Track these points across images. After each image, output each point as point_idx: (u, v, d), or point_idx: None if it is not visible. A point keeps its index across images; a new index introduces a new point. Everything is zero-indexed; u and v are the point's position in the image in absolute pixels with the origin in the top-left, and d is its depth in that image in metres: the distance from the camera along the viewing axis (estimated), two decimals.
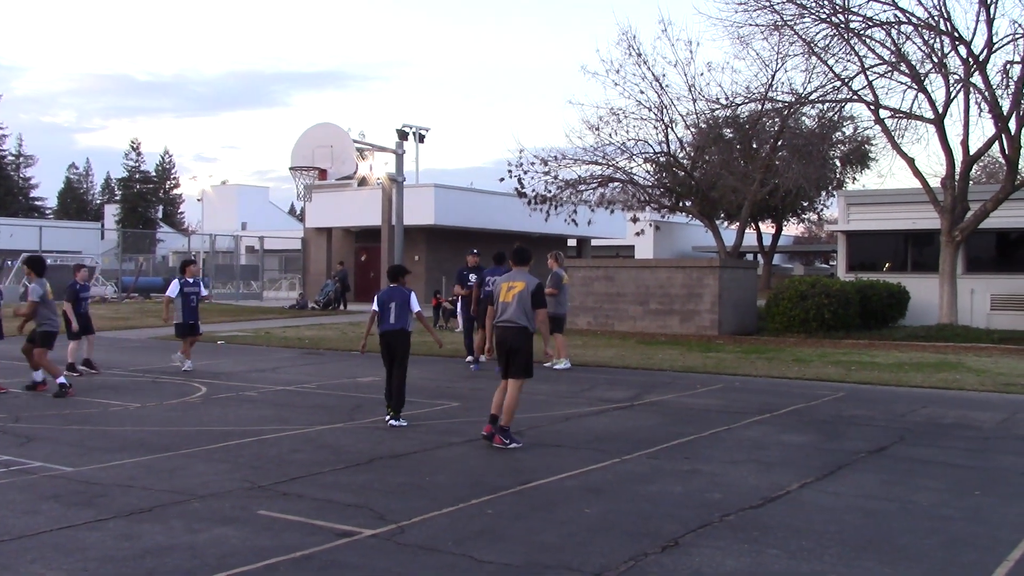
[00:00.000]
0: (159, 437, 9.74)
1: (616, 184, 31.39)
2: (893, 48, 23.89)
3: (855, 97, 25.35)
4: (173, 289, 15.96)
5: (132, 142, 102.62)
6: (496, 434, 9.38)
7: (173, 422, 10.76)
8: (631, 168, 31.05)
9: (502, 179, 31.15)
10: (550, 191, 30.65)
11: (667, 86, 28.81)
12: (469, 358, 17.26)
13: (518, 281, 9.73)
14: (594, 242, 48.99)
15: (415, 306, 10.84)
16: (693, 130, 30.48)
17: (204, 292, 16.53)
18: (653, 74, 28.66)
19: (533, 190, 30.72)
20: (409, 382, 10.79)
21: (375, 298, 10.91)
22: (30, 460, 8.49)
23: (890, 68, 24.30)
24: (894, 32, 23.78)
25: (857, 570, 5.68)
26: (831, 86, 25.94)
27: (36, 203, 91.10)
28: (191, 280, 16.08)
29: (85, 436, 9.79)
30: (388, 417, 10.56)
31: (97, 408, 11.70)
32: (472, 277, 17.74)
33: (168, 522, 6.51)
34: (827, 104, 27.81)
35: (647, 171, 31.88)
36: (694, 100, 28.77)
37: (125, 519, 6.57)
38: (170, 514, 6.72)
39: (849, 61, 24.89)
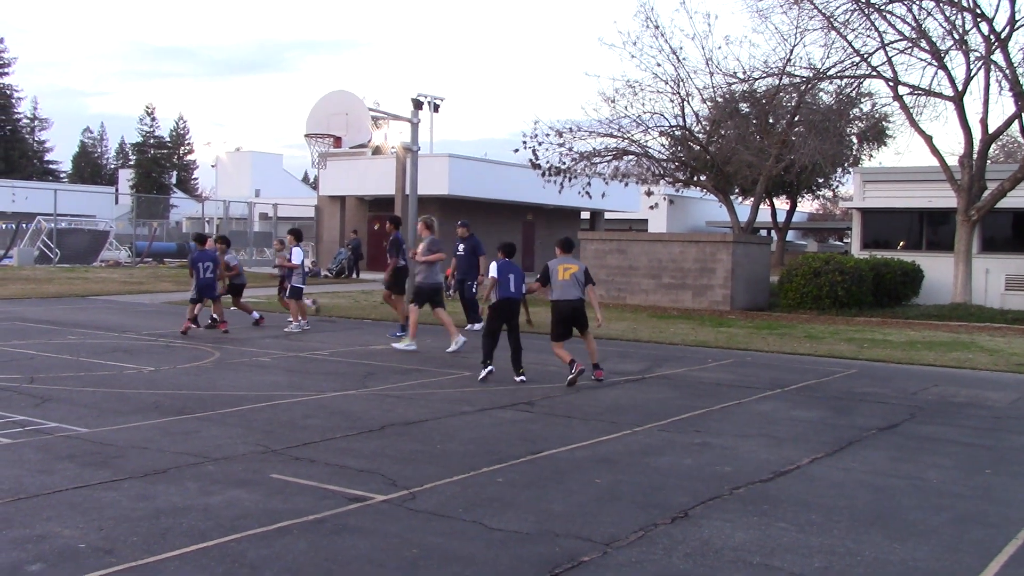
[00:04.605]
0: (173, 400, 9.82)
1: (631, 157, 31.25)
2: (914, 24, 23.70)
3: (874, 73, 25.18)
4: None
5: (147, 107, 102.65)
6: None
7: (187, 386, 10.83)
8: (646, 141, 30.93)
9: (516, 150, 31.03)
10: (564, 163, 30.52)
11: (684, 59, 28.66)
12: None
13: (572, 264, 11.80)
14: (607, 215, 48.91)
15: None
16: (709, 104, 30.31)
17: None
18: (670, 47, 28.50)
19: (547, 162, 30.60)
20: (420, 351, 11.03)
21: (494, 267, 12.00)
22: (46, 421, 8.57)
23: (910, 44, 24.11)
24: (915, 8, 23.61)
25: (866, 545, 5.71)
26: (850, 62, 25.77)
27: (51, 167, 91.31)
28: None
29: (100, 398, 9.87)
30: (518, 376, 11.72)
31: (112, 371, 11.78)
32: (461, 247, 17.78)
33: (183, 484, 6.57)
34: (845, 80, 27.60)
35: (662, 145, 31.76)
36: (711, 74, 28.63)
37: (140, 480, 6.64)
38: (185, 476, 6.78)
39: (869, 36, 24.73)
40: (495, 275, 11.98)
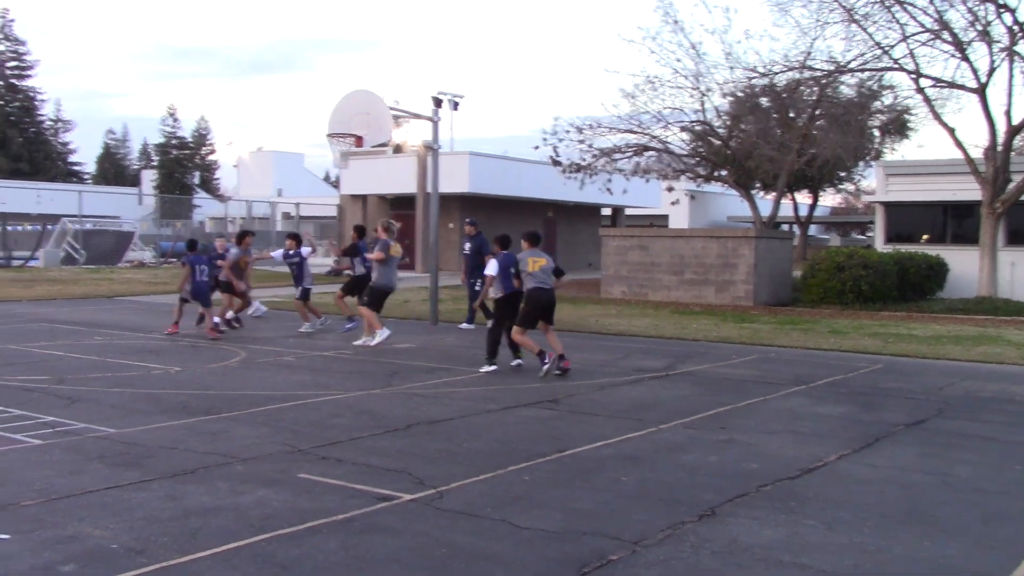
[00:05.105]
0: (200, 400, 9.89)
1: (651, 153, 31.16)
2: (935, 16, 23.48)
3: (896, 66, 24.96)
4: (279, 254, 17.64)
5: (169, 108, 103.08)
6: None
7: (214, 386, 10.91)
8: (667, 137, 30.80)
9: (537, 147, 31.08)
10: (585, 160, 30.46)
11: (704, 54, 28.53)
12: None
13: (541, 257, 12.17)
14: (628, 211, 48.78)
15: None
16: (729, 99, 30.15)
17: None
18: (690, 42, 28.36)
19: (568, 158, 30.55)
20: (444, 350, 11.27)
21: (494, 264, 12.57)
22: (75, 421, 8.66)
23: (932, 36, 23.88)
24: None
25: (895, 542, 5.68)
26: (871, 54, 25.51)
27: (75, 168, 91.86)
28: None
29: (128, 399, 9.95)
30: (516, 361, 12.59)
31: (139, 371, 11.88)
32: (467, 245, 17.69)
33: (212, 483, 6.62)
34: (867, 73, 27.39)
35: (683, 140, 31.63)
36: (731, 68, 28.46)
37: (170, 480, 6.70)
38: (213, 476, 6.84)
39: (890, 29, 24.48)
40: (493, 272, 12.45)
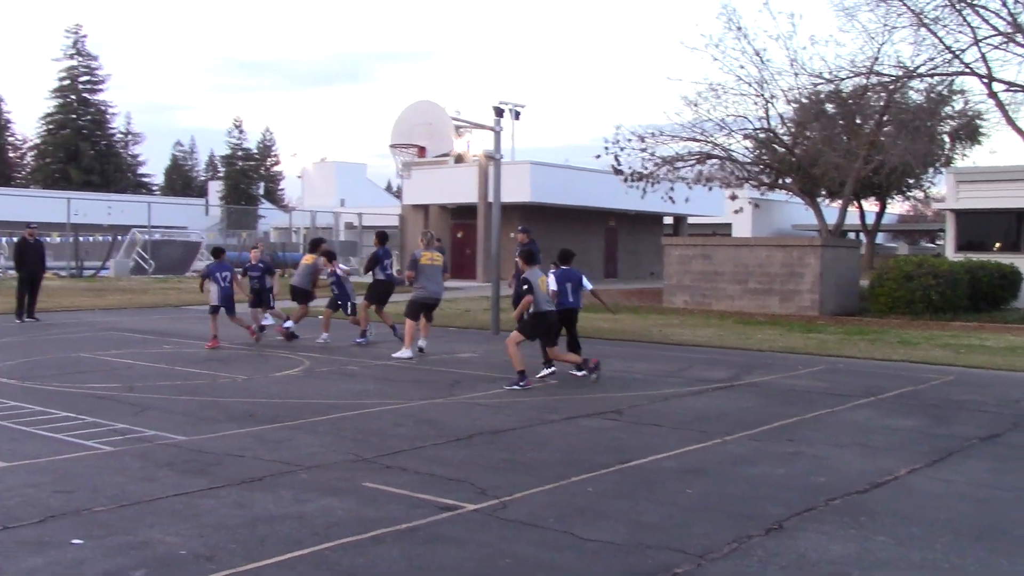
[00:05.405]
0: (266, 408, 10.01)
1: (714, 161, 30.91)
2: (1009, 18, 22.96)
3: (967, 70, 24.45)
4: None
5: (235, 120, 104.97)
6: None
7: (279, 394, 11.03)
8: (730, 145, 30.55)
9: (598, 156, 30.96)
10: (647, 168, 30.30)
11: (768, 61, 28.24)
12: None
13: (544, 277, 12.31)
14: (691, 220, 48.44)
15: (588, 284, 13.07)
16: (794, 105, 29.79)
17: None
18: (753, 48, 28.11)
19: (630, 167, 30.42)
20: (505, 359, 11.31)
21: (553, 278, 12.63)
22: (145, 429, 8.81)
23: (1005, 39, 23.37)
24: (1010, 1, 22.84)
25: (970, 560, 5.53)
26: (941, 59, 25.03)
27: (144, 180, 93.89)
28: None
29: (196, 406, 10.12)
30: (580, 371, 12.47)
31: (206, 379, 12.08)
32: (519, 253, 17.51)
33: (278, 491, 6.69)
34: (936, 78, 26.85)
35: (746, 148, 31.34)
36: (796, 75, 28.14)
37: (237, 487, 6.78)
38: (279, 484, 6.91)
39: (961, 32, 24.01)
40: (555, 287, 12.44)
